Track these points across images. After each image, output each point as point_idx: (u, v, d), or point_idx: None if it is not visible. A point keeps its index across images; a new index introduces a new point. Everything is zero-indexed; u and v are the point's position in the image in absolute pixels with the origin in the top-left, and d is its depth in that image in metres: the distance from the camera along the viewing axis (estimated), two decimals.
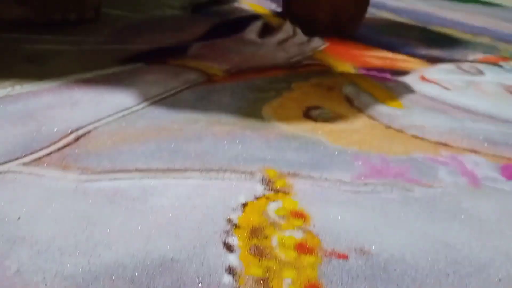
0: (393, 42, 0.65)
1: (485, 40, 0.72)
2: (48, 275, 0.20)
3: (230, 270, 0.21)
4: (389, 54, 0.58)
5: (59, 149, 0.29)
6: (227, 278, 0.21)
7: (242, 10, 0.75)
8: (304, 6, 0.40)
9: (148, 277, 0.20)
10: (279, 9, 0.74)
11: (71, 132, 0.31)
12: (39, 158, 0.28)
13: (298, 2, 0.39)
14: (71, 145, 0.30)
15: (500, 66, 0.58)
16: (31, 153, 0.28)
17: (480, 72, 0.55)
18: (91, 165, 0.28)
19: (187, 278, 0.21)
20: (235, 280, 0.21)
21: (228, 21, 0.67)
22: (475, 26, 0.82)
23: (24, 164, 0.27)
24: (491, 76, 0.54)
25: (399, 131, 0.37)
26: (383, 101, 0.43)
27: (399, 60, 0.57)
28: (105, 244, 0.22)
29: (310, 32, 0.43)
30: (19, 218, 0.22)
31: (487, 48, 0.67)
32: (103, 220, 0.23)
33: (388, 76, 0.50)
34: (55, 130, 0.31)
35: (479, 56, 0.62)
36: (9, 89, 0.36)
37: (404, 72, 0.52)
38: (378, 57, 0.57)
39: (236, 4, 0.79)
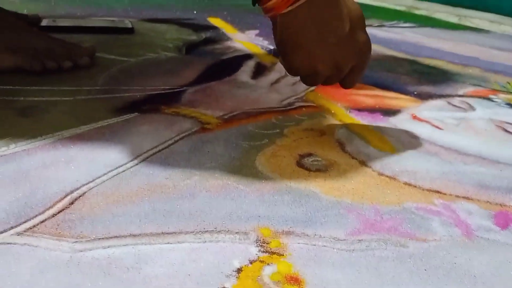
0: (384, 78, 0.67)
1: (474, 71, 0.73)
2: None
3: None
4: (380, 92, 0.59)
5: (53, 215, 0.29)
6: None
7: (235, 49, 0.76)
8: (303, 58, 0.38)
9: None
10: (271, 47, 0.75)
11: (66, 195, 0.31)
12: (34, 226, 0.28)
13: (298, 54, 0.38)
14: (66, 209, 0.30)
15: (490, 100, 0.59)
16: (25, 221, 0.28)
17: (471, 107, 0.56)
18: (86, 232, 0.28)
19: None
20: None
21: (221, 61, 0.69)
22: (465, 56, 0.84)
23: (18, 234, 0.27)
24: (482, 112, 0.55)
25: (392, 178, 0.37)
26: (375, 145, 0.43)
27: (390, 97, 0.58)
28: None
29: (310, 83, 0.41)
30: None
31: (477, 80, 0.68)
32: None
33: (379, 116, 0.50)
34: (49, 193, 0.31)
35: (470, 89, 0.63)
36: (4, 148, 0.37)
37: (395, 111, 0.53)
38: (369, 96, 0.58)
39: (229, 43, 0.80)
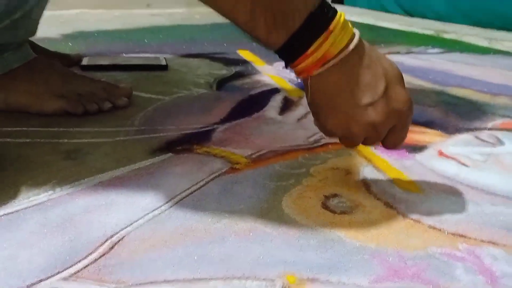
0: None
1: (504, 100, 0.73)
2: None
3: None
4: None
5: (95, 260, 0.31)
6: None
7: (263, 83, 0.79)
8: (337, 120, 0.37)
9: None
10: (299, 80, 0.77)
11: (107, 240, 0.34)
12: (78, 271, 0.30)
13: (331, 117, 0.37)
14: (106, 254, 0.32)
15: None
16: (70, 266, 0.30)
17: (500, 142, 0.56)
18: (125, 277, 0.30)
19: None
20: None
21: (250, 97, 0.71)
22: (494, 84, 0.83)
23: (64, 279, 0.29)
24: (510, 146, 0.54)
25: (417, 221, 0.38)
26: (400, 185, 0.44)
27: (417, 132, 0.58)
28: None
29: (348, 145, 0.42)
30: None
31: (506, 111, 0.68)
32: None
33: (405, 153, 0.51)
34: (92, 238, 0.34)
35: (498, 121, 0.63)
36: (50, 192, 0.40)
37: (421, 147, 0.53)
38: None
39: (258, 76, 0.83)
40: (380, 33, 1.41)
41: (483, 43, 1.23)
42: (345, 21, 0.35)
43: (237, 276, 0.31)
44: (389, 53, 1.06)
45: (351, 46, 0.34)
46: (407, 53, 1.08)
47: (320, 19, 0.34)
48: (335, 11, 0.34)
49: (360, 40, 0.35)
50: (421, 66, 0.94)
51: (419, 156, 0.51)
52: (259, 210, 0.39)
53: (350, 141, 0.40)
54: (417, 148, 0.53)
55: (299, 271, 0.31)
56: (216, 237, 0.35)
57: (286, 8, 0.33)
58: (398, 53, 1.07)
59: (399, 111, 0.37)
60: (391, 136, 0.39)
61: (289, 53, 0.35)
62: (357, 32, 0.36)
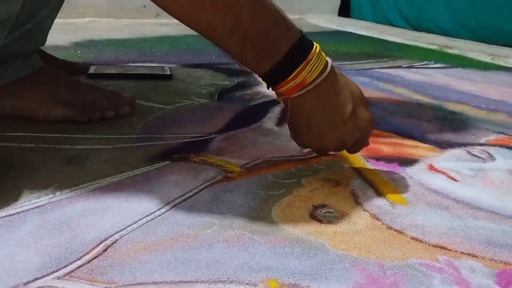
0: (406, 125, 0.68)
1: (500, 117, 0.74)
2: None
3: None
4: (400, 140, 0.61)
5: (89, 261, 0.33)
6: None
7: (263, 94, 0.80)
8: (312, 137, 0.45)
9: None
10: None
11: (101, 242, 0.35)
12: (71, 271, 0.32)
13: (307, 134, 0.44)
14: (100, 256, 0.34)
15: None
16: (65, 266, 0.32)
17: (491, 157, 0.57)
18: (115, 278, 0.32)
19: None
20: None
21: (249, 108, 0.73)
22: (492, 100, 0.84)
23: (58, 278, 0.31)
24: (501, 162, 0.55)
25: (400, 232, 0.39)
26: (387, 197, 0.45)
27: (409, 146, 0.59)
28: None
29: (319, 155, 0.51)
30: None
31: (501, 127, 0.69)
32: None
33: (396, 166, 0.52)
34: (87, 240, 0.35)
35: (492, 137, 0.64)
36: (50, 195, 0.42)
37: (413, 161, 0.55)
38: (388, 144, 0.60)
39: (258, 88, 0.85)
40: (384, 47, 1.42)
41: (486, 59, 1.24)
42: (320, 51, 0.41)
43: (222, 280, 0.32)
44: (391, 67, 1.08)
45: (325, 74, 0.41)
46: (409, 67, 1.09)
47: (300, 51, 0.40)
48: (312, 43, 0.41)
49: (332, 68, 0.42)
50: (420, 81, 0.95)
51: (409, 170, 0.52)
52: (248, 218, 0.41)
53: (321, 152, 0.49)
54: (409, 162, 0.54)
55: (281, 277, 0.33)
56: (204, 243, 0.37)
57: (271, 43, 0.39)
58: (399, 67, 1.09)
59: (363, 127, 0.44)
60: (354, 147, 0.47)
61: (272, 78, 0.41)
62: (329, 60, 0.42)
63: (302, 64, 0.39)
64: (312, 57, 0.40)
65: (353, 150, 0.48)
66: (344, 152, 0.56)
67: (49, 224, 0.37)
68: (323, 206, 0.43)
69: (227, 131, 0.62)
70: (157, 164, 0.50)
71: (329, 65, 0.42)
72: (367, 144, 0.48)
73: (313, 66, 0.40)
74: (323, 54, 0.42)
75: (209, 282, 0.32)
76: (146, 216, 0.40)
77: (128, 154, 0.53)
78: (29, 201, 0.41)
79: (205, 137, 0.59)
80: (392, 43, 1.51)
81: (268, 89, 0.43)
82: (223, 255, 0.35)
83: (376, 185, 0.48)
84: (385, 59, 1.18)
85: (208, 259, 0.34)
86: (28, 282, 0.31)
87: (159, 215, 0.40)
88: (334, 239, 0.38)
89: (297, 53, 0.39)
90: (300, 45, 0.40)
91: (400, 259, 0.36)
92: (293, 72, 0.39)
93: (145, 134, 0.59)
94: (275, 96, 0.43)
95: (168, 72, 0.88)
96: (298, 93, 0.41)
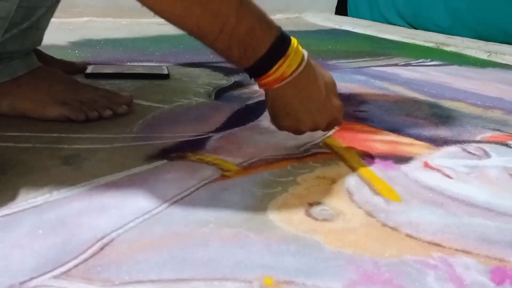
0: (402, 122, 0.69)
1: (496, 114, 0.74)
2: None
3: None
4: (396, 137, 0.62)
5: (85, 260, 0.33)
6: None
7: (260, 93, 0.80)
8: (290, 121, 0.50)
9: None
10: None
11: (97, 241, 0.36)
12: (68, 271, 0.32)
13: (286, 119, 0.50)
14: (96, 255, 0.34)
15: (508, 146, 0.60)
16: (61, 266, 0.32)
17: (486, 154, 0.57)
18: (112, 277, 0.32)
19: None
20: None
21: (246, 107, 0.73)
22: (488, 97, 0.84)
23: (54, 277, 0.31)
24: (497, 159, 0.55)
25: (394, 229, 0.40)
26: (382, 194, 0.45)
27: (405, 143, 0.60)
28: None
29: (294, 134, 0.54)
30: None
31: (496, 124, 0.69)
32: None
33: (391, 164, 0.52)
34: (83, 239, 0.36)
35: (488, 134, 0.64)
36: (47, 195, 0.42)
37: (408, 158, 0.55)
38: (384, 142, 0.60)
39: (255, 87, 0.85)
40: (381, 45, 1.43)
41: (483, 56, 1.25)
42: (298, 45, 0.45)
43: (218, 278, 0.32)
44: (387, 65, 1.08)
45: (301, 67, 0.45)
46: (405, 65, 1.10)
47: (280, 47, 0.44)
48: (290, 39, 0.45)
49: (308, 60, 0.46)
50: (417, 79, 0.96)
51: (404, 167, 0.52)
52: (244, 217, 0.41)
53: (297, 134, 0.53)
54: (404, 159, 0.54)
55: (276, 274, 0.33)
56: (200, 241, 0.37)
57: (255, 41, 0.43)
58: (396, 65, 1.09)
59: (334, 113, 0.50)
60: (327, 127, 0.53)
61: (255, 72, 0.45)
62: (305, 53, 0.46)
63: (282, 59, 0.43)
64: (291, 52, 0.44)
65: (325, 129, 0.53)
66: (340, 150, 0.56)
67: (46, 224, 0.38)
68: (318, 203, 0.43)
69: (224, 129, 0.62)
70: (154, 163, 0.51)
71: (306, 58, 0.45)
72: (339, 124, 0.53)
73: (292, 60, 0.44)
74: (300, 47, 0.45)
75: (205, 280, 0.32)
76: (143, 215, 0.40)
77: (125, 154, 0.53)
78: (25, 201, 0.41)
79: (202, 136, 0.59)
80: (389, 41, 1.52)
81: (250, 79, 0.47)
82: (219, 253, 0.35)
83: (371, 182, 0.48)
84: (381, 57, 1.18)
85: (204, 257, 0.35)
86: (25, 281, 0.31)
87: (155, 214, 0.40)
88: (329, 236, 0.38)
89: (277, 49, 0.43)
90: (280, 41, 0.43)
91: (394, 256, 0.36)
92: (274, 66, 0.44)
93: (143, 133, 0.59)
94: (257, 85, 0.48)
95: (165, 72, 0.88)
96: (278, 85, 0.45)
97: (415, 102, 0.79)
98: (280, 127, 0.52)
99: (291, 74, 0.44)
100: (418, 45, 1.43)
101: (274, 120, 0.51)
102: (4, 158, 0.49)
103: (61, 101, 0.60)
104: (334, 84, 0.50)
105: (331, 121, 0.51)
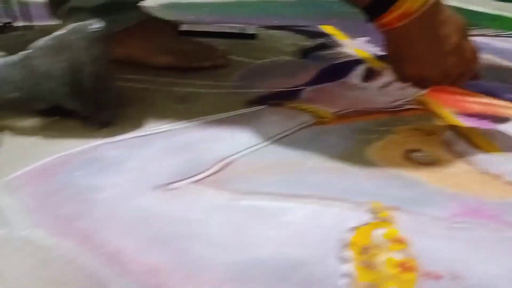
0: (495, 87, 0.67)
1: None
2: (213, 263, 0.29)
3: (345, 276, 0.28)
4: (490, 100, 0.61)
5: (213, 174, 0.38)
6: (342, 282, 0.27)
7: (346, 54, 0.82)
8: (415, 68, 0.43)
9: (280, 274, 0.28)
10: (382, 53, 0.79)
11: (217, 162, 0.40)
12: (199, 180, 0.37)
13: (410, 65, 0.43)
14: (220, 171, 0.39)
15: None
16: (193, 176, 0.38)
17: None
18: (236, 188, 0.36)
19: (312, 278, 0.28)
20: (350, 284, 0.27)
21: (334, 66, 0.75)
22: None
23: (192, 183, 0.36)
24: None
25: (495, 177, 0.40)
26: (481, 147, 0.46)
27: (500, 106, 0.59)
28: (254, 245, 0.30)
29: (421, 88, 0.48)
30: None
31: None
32: (249, 229, 0.31)
33: (487, 123, 0.53)
34: (206, 159, 0.41)
35: None
36: (168, 126, 0.47)
37: (504, 119, 0.55)
38: (479, 103, 0.59)
39: (341, 49, 0.86)
40: (467, 16, 1.36)
41: None
42: None
43: (330, 197, 0.36)
44: (477, 35, 1.03)
45: (429, 2, 0.40)
46: (495, 35, 1.04)
47: None
48: None
49: None
50: (509, 48, 0.91)
51: (502, 126, 0.52)
52: (344, 156, 0.44)
53: (423, 85, 0.47)
54: (500, 120, 0.54)
55: (383, 201, 0.36)
56: (308, 170, 0.40)
57: None
58: (484, 35, 1.04)
59: (468, 59, 0.43)
60: (458, 81, 0.45)
61: (376, 9, 0.41)
62: None
63: None
64: None
65: (457, 83, 0.46)
66: (434, 107, 0.57)
67: (174, 145, 0.43)
68: (418, 150, 0.45)
69: (314, 85, 0.65)
70: (255, 107, 0.55)
71: None
72: (473, 75, 0.46)
73: None
74: None
75: (318, 198, 0.36)
76: (253, 146, 0.44)
77: (227, 98, 0.57)
78: (153, 128, 0.47)
79: (295, 88, 0.62)
80: (476, 12, 1.44)
81: (366, 23, 0.42)
82: (327, 180, 0.38)
83: (469, 136, 0.49)
84: (470, 27, 1.13)
85: (313, 182, 0.38)
86: (166, 184, 0.36)
87: (263, 147, 0.44)
88: (431, 176, 0.40)
89: None
90: None
91: (498, 198, 0.37)
92: (397, 1, 0.39)
93: (241, 82, 0.63)
94: (374, 27, 0.43)
95: (253, 31, 0.91)
96: (401, 23, 0.40)
97: (509, 69, 0.76)
98: (403, 76, 0.45)
99: (416, 10, 0.39)
100: (508, 17, 1.34)
101: (397, 68, 0.45)
102: (128, 95, 0.55)
103: (167, 51, 0.66)
104: (465, 27, 0.43)
105: (463, 71, 0.44)
